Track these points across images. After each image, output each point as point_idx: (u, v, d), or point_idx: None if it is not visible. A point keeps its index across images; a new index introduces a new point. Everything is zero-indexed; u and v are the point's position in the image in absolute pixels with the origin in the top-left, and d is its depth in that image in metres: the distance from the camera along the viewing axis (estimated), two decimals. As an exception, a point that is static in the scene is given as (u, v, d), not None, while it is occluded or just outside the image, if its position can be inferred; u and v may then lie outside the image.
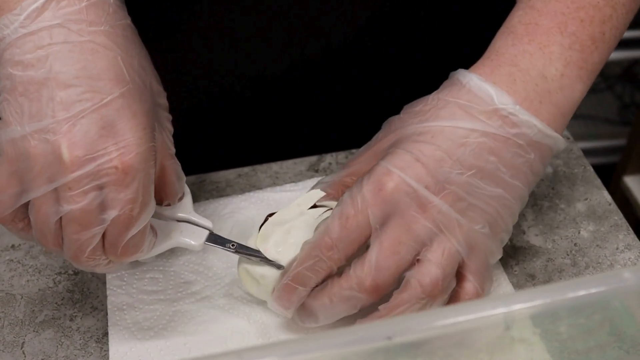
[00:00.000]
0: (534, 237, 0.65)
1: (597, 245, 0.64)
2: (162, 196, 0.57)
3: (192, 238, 0.57)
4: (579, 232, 0.65)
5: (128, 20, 0.53)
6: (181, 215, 0.57)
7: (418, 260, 0.52)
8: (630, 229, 0.65)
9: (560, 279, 0.62)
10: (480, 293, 0.54)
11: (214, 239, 0.58)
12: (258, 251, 0.57)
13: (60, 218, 0.51)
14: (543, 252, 0.64)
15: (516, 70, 0.54)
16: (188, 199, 0.58)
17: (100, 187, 0.50)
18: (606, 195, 0.68)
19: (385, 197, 0.52)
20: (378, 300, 0.53)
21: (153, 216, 0.55)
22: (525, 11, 0.56)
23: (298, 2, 0.69)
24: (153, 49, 0.71)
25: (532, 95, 0.53)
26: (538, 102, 0.53)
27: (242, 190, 0.69)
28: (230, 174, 0.71)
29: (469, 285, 0.53)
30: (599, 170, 0.72)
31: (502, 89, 0.53)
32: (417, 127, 0.53)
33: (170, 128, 0.56)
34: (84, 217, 0.50)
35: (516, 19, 0.56)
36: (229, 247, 0.57)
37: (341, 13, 0.70)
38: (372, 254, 0.52)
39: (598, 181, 0.69)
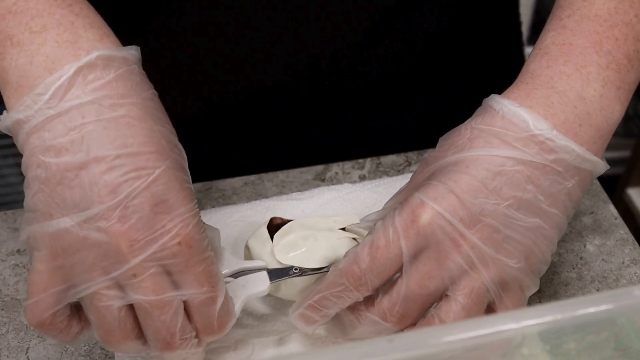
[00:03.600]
0: (539, 250, 0.65)
1: (603, 260, 0.64)
2: None
3: (257, 286, 0.55)
4: (585, 246, 0.65)
5: (153, 89, 0.50)
6: (231, 270, 0.55)
7: (446, 295, 0.50)
8: (636, 243, 0.65)
9: (566, 292, 0.62)
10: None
11: (276, 274, 0.56)
12: (318, 270, 0.56)
13: (126, 307, 0.48)
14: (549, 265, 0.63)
15: (553, 93, 0.51)
16: (225, 251, 0.56)
17: (167, 267, 0.47)
18: (612, 209, 0.68)
19: (419, 230, 0.50)
20: (404, 329, 0.52)
21: None
22: (558, 31, 0.54)
23: (305, 13, 0.69)
24: (162, 56, 0.72)
25: (572, 118, 0.51)
26: (577, 125, 0.51)
27: (249, 199, 0.69)
28: (236, 181, 0.71)
29: None
30: (603, 182, 0.72)
31: (538, 113, 0.51)
32: (452, 158, 0.51)
33: None
34: (160, 300, 0.47)
35: (549, 40, 0.54)
36: (294, 273, 0.56)
37: (348, 24, 0.70)
38: (402, 286, 0.50)
39: (604, 195, 0.69)
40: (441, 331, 0.36)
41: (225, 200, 0.69)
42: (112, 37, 0.49)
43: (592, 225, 0.67)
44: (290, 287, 0.58)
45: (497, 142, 0.50)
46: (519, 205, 0.50)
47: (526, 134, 0.50)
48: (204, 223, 0.51)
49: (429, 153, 0.54)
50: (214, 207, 0.68)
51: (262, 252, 0.58)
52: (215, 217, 0.67)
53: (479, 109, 0.54)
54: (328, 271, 0.55)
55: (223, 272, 0.54)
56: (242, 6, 0.68)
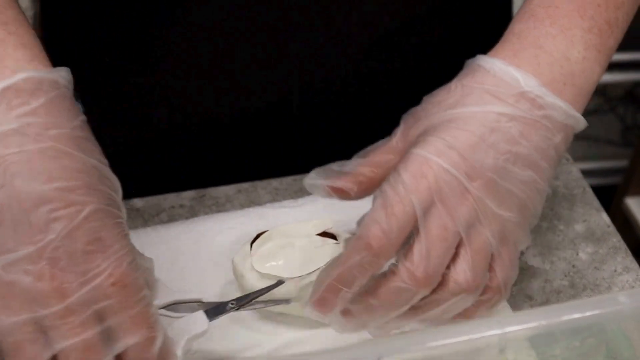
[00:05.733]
0: (532, 258, 0.65)
1: (595, 268, 0.64)
2: None
3: (195, 327, 0.52)
4: (578, 254, 0.65)
5: (83, 116, 0.47)
6: (165, 301, 0.53)
7: (456, 254, 0.50)
8: (628, 251, 0.65)
9: (558, 300, 0.62)
10: (502, 291, 0.51)
11: (213, 311, 0.54)
12: (255, 293, 0.55)
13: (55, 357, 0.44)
14: (541, 273, 0.64)
15: (541, 52, 0.53)
16: (159, 282, 0.53)
17: (100, 310, 0.44)
18: (605, 217, 0.68)
19: (428, 185, 0.49)
20: (429, 292, 0.50)
21: None
22: None
23: (297, 31, 0.69)
24: (158, 65, 0.72)
25: (558, 77, 0.53)
26: (562, 84, 0.53)
27: (242, 206, 0.69)
28: (230, 189, 0.71)
29: (494, 283, 0.51)
30: (601, 191, 0.72)
31: (527, 71, 0.52)
32: (446, 115, 0.52)
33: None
34: (89, 350, 0.43)
35: (535, 2, 0.55)
36: (230, 307, 0.54)
37: (342, 42, 0.70)
38: (422, 243, 0.49)
39: (597, 203, 0.69)
40: (426, 336, 0.36)
41: (219, 207, 0.70)
42: (44, 60, 0.47)
43: (585, 233, 0.67)
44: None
45: (490, 99, 0.51)
46: (515, 160, 0.51)
47: (517, 90, 0.51)
48: (138, 253, 0.48)
49: (413, 110, 0.54)
50: (207, 214, 0.68)
51: (243, 267, 0.59)
52: (208, 224, 0.67)
53: (467, 68, 0.54)
54: (270, 304, 0.55)
55: (157, 303, 0.52)
56: (237, 26, 0.68)
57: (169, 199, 0.70)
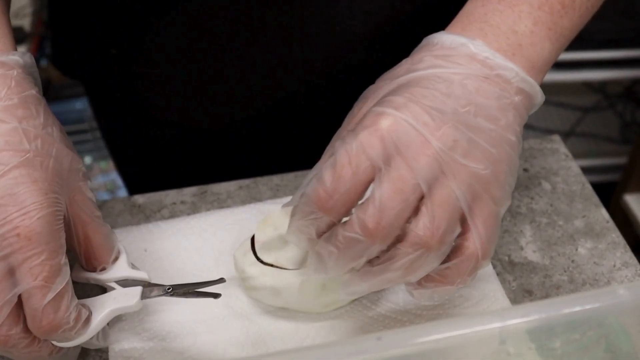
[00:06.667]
0: (531, 253, 0.65)
1: (595, 263, 0.64)
2: (94, 262, 0.55)
3: (127, 300, 0.55)
4: (577, 249, 0.65)
5: (32, 91, 0.52)
6: (119, 275, 0.56)
7: (419, 208, 0.49)
8: (627, 246, 0.66)
9: (558, 295, 0.62)
10: (479, 254, 0.50)
11: (150, 291, 0.56)
12: (194, 284, 0.56)
13: None
14: (541, 268, 0.64)
15: (487, 26, 0.54)
16: (123, 257, 0.57)
17: (6, 257, 0.48)
18: (604, 213, 0.68)
19: (383, 135, 0.48)
20: (384, 246, 0.49)
21: (92, 282, 0.56)
22: None
23: (303, 25, 0.70)
24: (159, 62, 0.72)
25: (505, 47, 0.54)
26: (511, 53, 0.53)
27: (243, 202, 0.70)
28: (231, 185, 0.71)
29: (470, 243, 0.50)
30: (600, 188, 0.72)
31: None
32: (399, 81, 0.52)
33: (89, 194, 0.54)
34: None
35: None
36: (167, 292, 0.56)
37: (346, 32, 0.71)
38: (376, 194, 0.48)
39: (596, 199, 0.70)
40: (428, 329, 0.36)
41: (220, 204, 0.70)
42: (1, 45, 0.52)
43: (584, 228, 0.67)
44: (290, 294, 0.58)
45: (442, 62, 0.52)
46: (476, 112, 0.50)
47: (467, 53, 0.52)
48: (104, 225, 0.53)
49: (366, 90, 0.55)
50: (208, 210, 0.69)
51: (244, 262, 0.59)
52: (209, 220, 0.67)
53: (416, 49, 0.55)
54: (191, 288, 0.56)
55: (114, 277, 0.55)
56: (241, 20, 0.69)
57: (171, 195, 0.70)
